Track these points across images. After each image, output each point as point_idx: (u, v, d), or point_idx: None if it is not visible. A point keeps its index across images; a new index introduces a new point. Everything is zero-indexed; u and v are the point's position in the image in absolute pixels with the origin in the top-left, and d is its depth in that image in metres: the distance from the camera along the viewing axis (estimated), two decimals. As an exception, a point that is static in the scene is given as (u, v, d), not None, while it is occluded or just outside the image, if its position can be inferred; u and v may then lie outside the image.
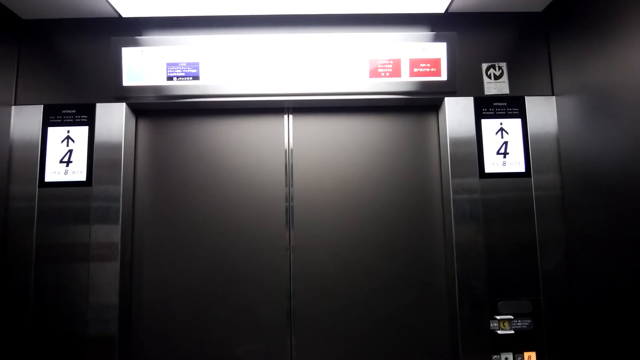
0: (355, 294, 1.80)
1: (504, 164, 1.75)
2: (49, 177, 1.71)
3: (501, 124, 1.77)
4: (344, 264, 1.81)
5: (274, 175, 1.85)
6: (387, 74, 1.77)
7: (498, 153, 1.76)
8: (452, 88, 1.78)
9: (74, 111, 1.75)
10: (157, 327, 1.77)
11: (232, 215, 1.83)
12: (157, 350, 1.75)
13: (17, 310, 1.63)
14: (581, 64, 1.61)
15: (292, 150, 1.87)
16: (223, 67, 1.75)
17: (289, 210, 1.83)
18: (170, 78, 1.74)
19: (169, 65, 1.74)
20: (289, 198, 1.84)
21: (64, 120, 1.74)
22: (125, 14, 1.77)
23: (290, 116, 1.89)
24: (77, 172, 1.71)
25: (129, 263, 1.77)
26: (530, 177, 1.74)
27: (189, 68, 1.74)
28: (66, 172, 1.71)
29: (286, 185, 1.85)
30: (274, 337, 1.77)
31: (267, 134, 1.88)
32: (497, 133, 1.77)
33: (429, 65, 1.77)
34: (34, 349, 1.62)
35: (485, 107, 1.78)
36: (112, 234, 1.68)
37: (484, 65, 1.81)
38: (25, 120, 1.74)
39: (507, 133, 1.77)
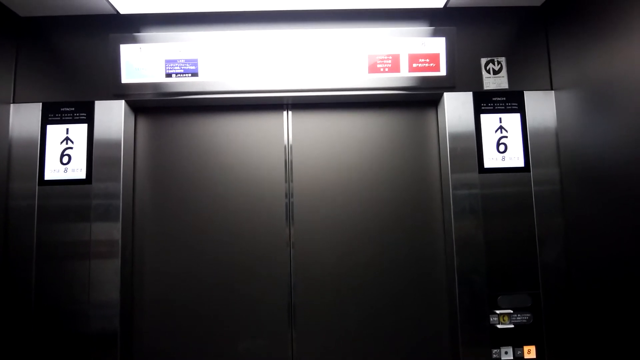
0: (355, 289, 1.81)
1: (503, 158, 1.75)
2: (48, 175, 1.70)
3: (500, 118, 1.77)
4: (344, 259, 1.82)
5: (274, 171, 1.85)
6: (386, 70, 1.76)
7: (497, 148, 1.76)
8: (451, 83, 1.78)
9: (73, 109, 1.75)
10: (158, 322, 1.77)
11: (232, 211, 1.83)
12: (158, 346, 1.76)
13: (19, 308, 1.64)
14: (580, 59, 1.61)
15: (291, 147, 1.87)
16: (222, 63, 1.74)
17: (288, 206, 1.84)
18: (169, 75, 1.74)
19: (167, 62, 1.74)
20: (288, 194, 1.84)
21: (63, 118, 1.74)
22: (123, 10, 1.76)
23: (290, 112, 1.89)
24: (77, 170, 1.71)
25: (130, 260, 1.77)
26: (530, 171, 1.74)
27: (187, 65, 1.74)
28: (66, 170, 1.71)
29: (286, 181, 1.85)
30: (275, 331, 1.78)
31: (267, 130, 1.88)
32: (496, 128, 1.77)
33: (428, 60, 1.77)
34: (36, 346, 1.63)
35: (485, 102, 1.78)
36: (112, 231, 1.68)
37: (483, 60, 1.81)
38: (24, 118, 1.73)
39: (506, 127, 1.77)
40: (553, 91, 1.79)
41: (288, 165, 1.86)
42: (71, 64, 1.77)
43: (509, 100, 1.79)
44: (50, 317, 1.64)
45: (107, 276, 1.67)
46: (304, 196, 1.84)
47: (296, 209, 1.84)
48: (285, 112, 1.89)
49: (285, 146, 1.87)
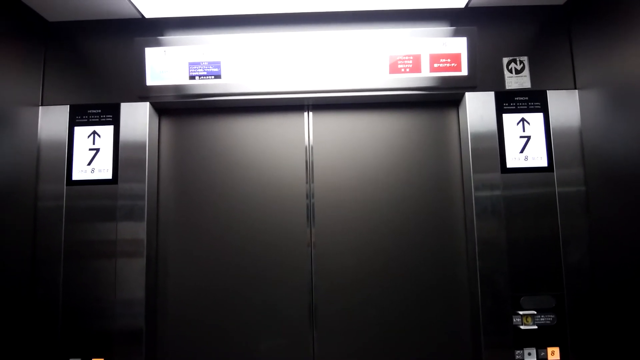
0: (376, 289, 1.81)
1: (526, 158, 1.74)
2: (76, 176, 1.75)
3: (523, 118, 1.76)
4: (365, 260, 1.82)
5: (295, 172, 1.87)
6: (407, 70, 1.77)
7: (520, 148, 1.75)
8: (473, 83, 1.77)
9: (99, 111, 1.79)
10: (182, 321, 1.80)
11: (254, 212, 1.85)
12: (182, 344, 1.79)
13: (47, 306, 1.68)
14: (604, 57, 1.59)
15: (312, 147, 1.88)
16: (244, 65, 1.76)
17: (309, 207, 1.85)
18: (192, 77, 1.77)
19: (191, 64, 1.77)
20: (309, 195, 1.85)
21: (90, 120, 1.78)
22: (148, 14, 1.79)
23: (311, 113, 1.91)
24: (104, 170, 1.75)
25: (155, 259, 1.80)
26: (553, 171, 1.73)
27: (210, 67, 1.76)
28: (93, 171, 1.75)
29: (307, 182, 1.86)
30: (296, 332, 1.79)
31: (288, 131, 1.90)
32: (518, 127, 1.76)
33: (449, 60, 1.77)
34: (64, 343, 1.67)
35: (507, 102, 1.77)
36: (138, 230, 1.72)
37: (505, 60, 1.80)
38: (52, 120, 1.78)
39: (529, 126, 1.76)
40: (577, 90, 1.77)
41: (309, 166, 1.87)
42: (97, 67, 1.82)
43: (532, 100, 1.77)
44: (77, 314, 1.68)
45: (132, 275, 1.70)
46: (325, 197, 1.85)
47: (317, 210, 1.85)
48: (306, 113, 1.91)
49: (306, 147, 1.88)
